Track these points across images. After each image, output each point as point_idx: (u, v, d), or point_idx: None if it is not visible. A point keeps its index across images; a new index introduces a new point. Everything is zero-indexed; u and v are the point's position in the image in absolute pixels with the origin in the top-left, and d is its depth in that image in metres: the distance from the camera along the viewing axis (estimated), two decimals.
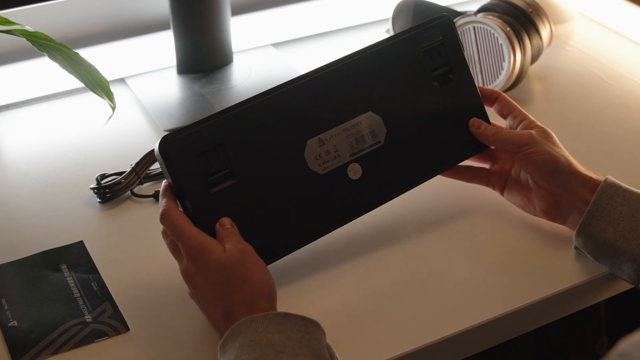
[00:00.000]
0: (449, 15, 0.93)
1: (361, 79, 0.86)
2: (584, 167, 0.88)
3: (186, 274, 0.78)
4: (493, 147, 0.94)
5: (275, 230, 0.82)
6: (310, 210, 0.84)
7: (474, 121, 0.93)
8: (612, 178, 0.86)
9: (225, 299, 0.74)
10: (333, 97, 0.85)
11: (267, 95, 0.82)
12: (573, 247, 0.88)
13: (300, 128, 0.83)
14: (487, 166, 0.96)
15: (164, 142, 0.77)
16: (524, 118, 0.92)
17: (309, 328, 0.71)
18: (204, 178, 0.78)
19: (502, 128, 0.93)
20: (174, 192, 0.79)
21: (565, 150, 0.90)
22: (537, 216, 0.91)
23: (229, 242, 0.76)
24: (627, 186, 0.86)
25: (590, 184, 0.86)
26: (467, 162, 0.95)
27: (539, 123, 0.92)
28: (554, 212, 0.89)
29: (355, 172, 0.86)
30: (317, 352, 0.70)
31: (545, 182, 0.88)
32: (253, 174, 0.81)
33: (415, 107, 0.89)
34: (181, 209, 0.79)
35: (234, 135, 0.80)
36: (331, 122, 0.84)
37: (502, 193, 0.94)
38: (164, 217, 0.77)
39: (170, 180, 0.79)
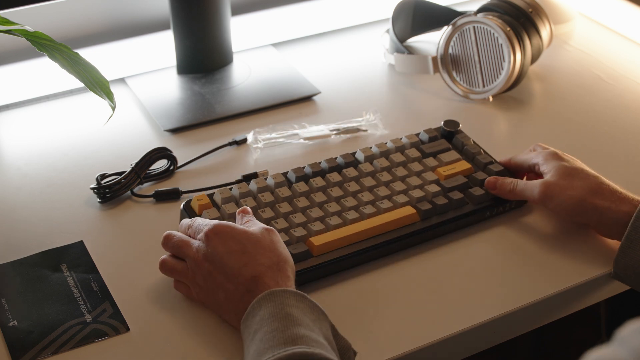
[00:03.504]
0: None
1: None
2: (618, 185, 0.87)
3: (201, 254, 0.79)
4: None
5: None
6: None
7: (489, 182, 0.93)
8: None
9: (251, 265, 0.76)
10: None
11: None
12: (612, 275, 0.86)
13: None
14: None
15: None
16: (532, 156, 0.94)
17: (319, 315, 0.74)
18: None
19: (517, 181, 0.92)
20: None
21: (584, 167, 0.89)
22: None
23: (254, 226, 0.81)
24: None
25: (622, 216, 0.84)
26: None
27: (544, 148, 0.94)
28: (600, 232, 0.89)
29: None
30: (327, 338, 0.72)
31: (580, 220, 0.88)
32: None
33: None
34: None
35: None
36: None
37: None
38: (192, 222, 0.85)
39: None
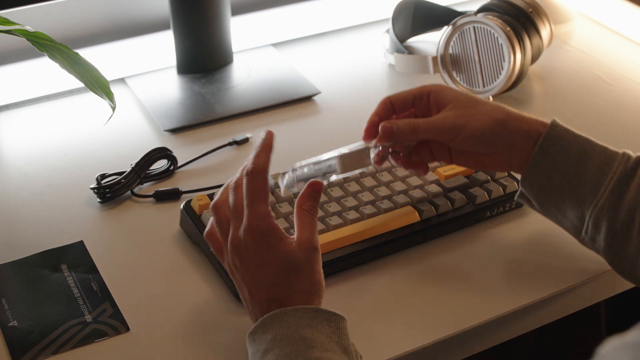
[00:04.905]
0: None
1: None
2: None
3: (237, 244, 0.74)
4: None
5: None
6: None
7: (384, 128, 0.84)
8: (558, 121, 0.83)
9: (282, 287, 0.73)
10: None
11: None
12: (516, 197, 0.86)
13: None
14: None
15: None
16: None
17: (339, 323, 0.72)
18: None
19: (413, 120, 0.84)
20: None
21: (483, 99, 0.85)
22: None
23: (304, 234, 0.75)
24: (575, 130, 0.83)
25: (534, 134, 0.82)
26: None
27: (429, 85, 0.87)
28: (505, 167, 0.85)
29: None
30: (346, 349, 0.71)
31: (488, 149, 0.84)
32: None
33: None
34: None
35: None
36: None
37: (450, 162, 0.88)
38: (254, 173, 0.74)
39: None
